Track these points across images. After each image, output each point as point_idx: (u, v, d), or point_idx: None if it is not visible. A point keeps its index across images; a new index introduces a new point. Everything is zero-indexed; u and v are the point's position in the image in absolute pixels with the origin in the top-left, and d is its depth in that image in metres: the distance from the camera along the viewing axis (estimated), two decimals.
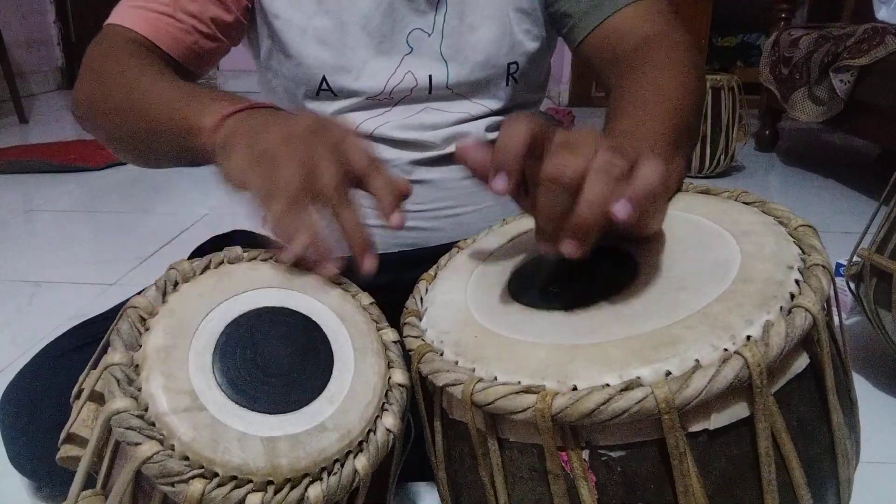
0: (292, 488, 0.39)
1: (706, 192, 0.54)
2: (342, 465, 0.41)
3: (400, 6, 0.77)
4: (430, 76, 0.79)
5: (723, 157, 2.28)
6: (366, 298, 0.52)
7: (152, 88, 0.63)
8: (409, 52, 0.79)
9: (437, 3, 0.77)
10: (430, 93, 0.79)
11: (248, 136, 0.51)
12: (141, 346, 0.42)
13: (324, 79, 0.78)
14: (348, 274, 0.53)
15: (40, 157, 2.30)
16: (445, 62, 0.79)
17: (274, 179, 0.47)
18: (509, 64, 0.80)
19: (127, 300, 0.45)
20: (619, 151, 0.41)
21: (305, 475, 0.40)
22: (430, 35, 0.78)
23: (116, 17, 0.74)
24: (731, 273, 0.42)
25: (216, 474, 0.38)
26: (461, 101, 0.81)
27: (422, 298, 0.52)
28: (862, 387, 1.04)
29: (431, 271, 0.55)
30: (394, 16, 0.77)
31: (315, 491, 0.40)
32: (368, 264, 0.48)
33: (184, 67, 0.75)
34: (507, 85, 0.82)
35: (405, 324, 0.49)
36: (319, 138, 0.49)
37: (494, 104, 0.82)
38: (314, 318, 0.47)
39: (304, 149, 0.48)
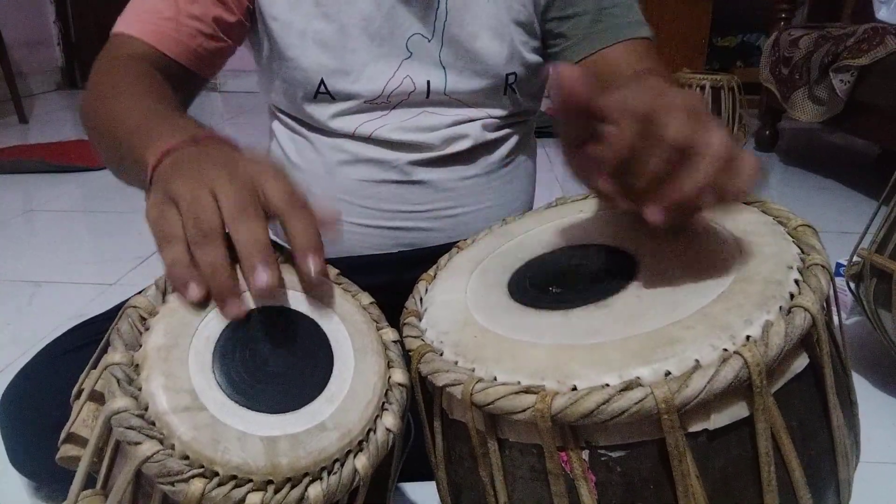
0: (292, 488, 0.39)
1: None
2: (342, 465, 0.41)
3: (400, 10, 0.77)
4: (428, 82, 0.79)
5: None
6: (365, 298, 0.52)
7: (124, 114, 0.62)
8: (409, 57, 0.79)
9: (437, 10, 0.77)
10: (428, 97, 0.80)
11: (166, 174, 0.48)
12: (141, 345, 0.42)
13: (322, 82, 0.78)
14: (348, 274, 0.53)
15: (40, 157, 2.30)
16: (444, 69, 0.79)
17: (166, 225, 0.44)
18: (508, 74, 0.80)
19: (127, 300, 0.45)
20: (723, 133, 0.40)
21: (305, 474, 0.40)
22: (429, 41, 0.78)
23: (122, 25, 0.74)
24: (730, 273, 0.42)
25: (216, 474, 0.38)
26: (459, 108, 0.81)
27: (421, 298, 0.52)
28: (862, 387, 1.04)
29: (431, 271, 0.55)
30: (394, 20, 0.77)
31: (315, 490, 0.40)
32: (261, 279, 0.42)
33: (191, 72, 0.76)
34: (505, 94, 0.82)
35: (405, 324, 0.49)
36: (230, 173, 0.45)
37: (493, 111, 0.83)
38: (314, 318, 0.47)
39: (207, 184, 0.44)
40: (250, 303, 0.46)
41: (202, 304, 0.45)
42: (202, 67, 0.77)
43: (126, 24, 0.74)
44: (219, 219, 0.43)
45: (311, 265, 0.43)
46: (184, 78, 0.75)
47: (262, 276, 0.42)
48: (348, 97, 0.79)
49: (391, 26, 0.77)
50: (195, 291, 0.43)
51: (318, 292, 0.49)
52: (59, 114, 3.39)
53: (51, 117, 3.29)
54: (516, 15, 0.79)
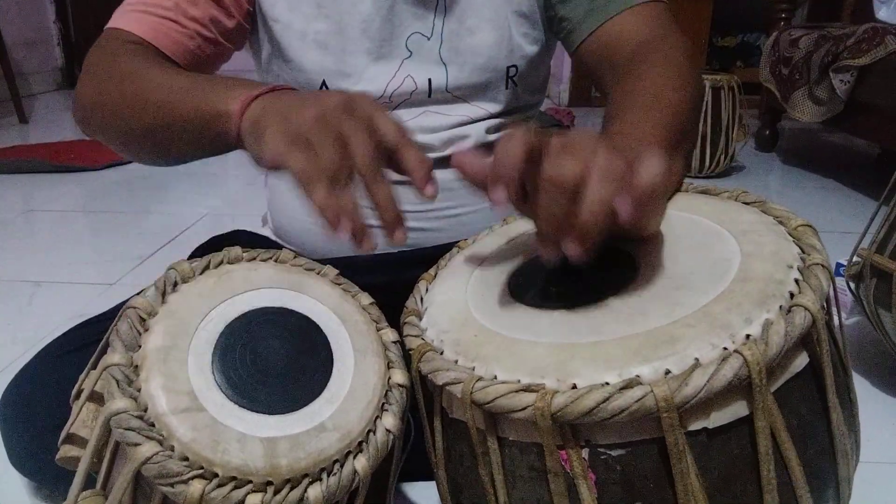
0: (292, 489, 0.39)
1: (706, 192, 0.54)
2: (342, 466, 0.41)
3: (400, 10, 0.77)
4: (429, 80, 0.79)
5: (723, 157, 2.28)
6: (365, 299, 0.52)
7: (165, 80, 0.63)
8: (409, 56, 0.79)
9: (437, 7, 0.77)
10: (430, 96, 0.80)
11: (279, 117, 0.50)
12: (140, 346, 0.42)
13: (324, 83, 0.78)
14: (348, 274, 0.53)
15: (40, 157, 2.30)
16: (445, 66, 0.79)
17: (313, 161, 0.46)
18: (508, 67, 0.80)
19: (127, 300, 0.45)
20: (619, 151, 0.41)
21: (305, 475, 0.40)
22: (429, 39, 0.78)
23: (117, 20, 0.73)
24: (730, 272, 0.42)
25: (216, 475, 0.38)
26: (461, 105, 0.81)
27: (422, 298, 0.52)
28: (862, 387, 1.04)
29: (432, 271, 0.55)
30: (393, 20, 0.77)
31: (315, 491, 0.40)
32: (399, 236, 0.47)
33: None
34: (507, 88, 0.82)
35: (405, 323, 0.49)
36: (351, 115, 0.48)
37: (494, 107, 0.82)
38: (314, 319, 0.47)
39: (337, 127, 0.47)
40: (250, 304, 0.46)
41: (203, 305, 0.45)
42: (198, 69, 0.76)
43: (123, 20, 0.73)
44: (374, 155, 0.47)
45: (429, 190, 0.49)
46: None
47: (399, 235, 0.47)
48: None
49: (391, 27, 0.77)
50: (346, 226, 0.45)
51: (317, 293, 0.49)
52: (59, 114, 3.39)
53: (51, 117, 3.29)
54: (517, 6, 0.79)
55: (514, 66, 0.81)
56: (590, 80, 0.80)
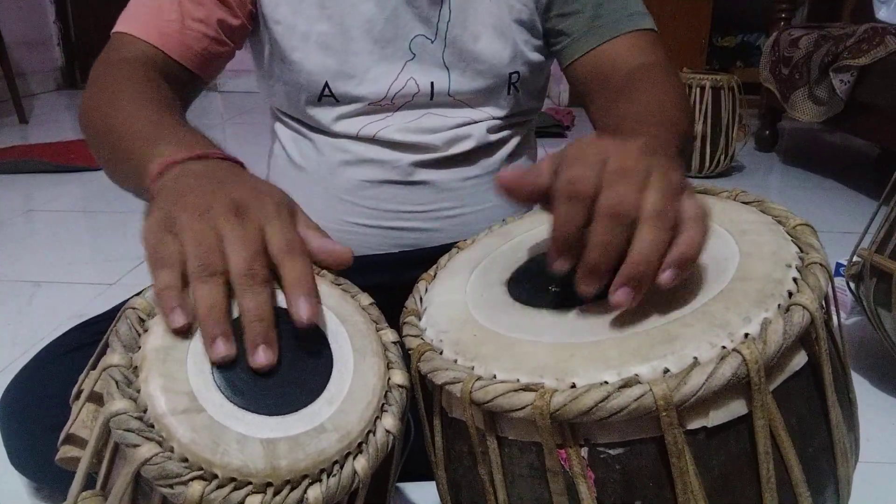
0: (291, 490, 0.39)
1: (705, 192, 0.54)
2: (341, 467, 0.41)
3: (403, 12, 0.77)
4: (431, 83, 0.79)
5: (723, 157, 2.28)
6: (365, 299, 0.52)
7: (127, 118, 0.61)
8: (412, 59, 0.79)
9: (441, 11, 0.77)
10: (432, 99, 0.80)
11: (170, 194, 0.47)
12: (140, 347, 0.42)
13: (326, 85, 0.78)
14: (348, 274, 0.53)
15: (40, 157, 2.30)
16: (447, 69, 0.79)
17: (165, 251, 0.43)
18: (511, 73, 0.81)
19: (127, 300, 0.45)
20: (644, 156, 0.41)
21: (305, 477, 0.40)
22: (432, 42, 0.78)
23: (124, 24, 0.73)
24: (729, 271, 0.42)
25: (215, 476, 0.38)
26: (463, 109, 0.81)
27: (421, 298, 0.52)
28: (862, 387, 1.04)
29: (431, 271, 0.55)
30: (397, 22, 0.77)
31: (314, 492, 0.40)
32: (260, 358, 0.41)
33: (194, 74, 0.75)
34: (509, 94, 0.82)
35: (405, 323, 0.49)
36: (240, 217, 0.44)
37: (496, 111, 0.83)
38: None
39: (213, 223, 0.44)
40: None
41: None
42: (205, 70, 0.77)
43: (129, 24, 0.73)
44: (223, 264, 0.42)
45: (302, 310, 0.43)
46: (186, 80, 0.75)
47: (261, 355, 0.41)
48: (352, 100, 0.79)
49: (394, 28, 0.77)
50: (180, 319, 0.41)
51: (317, 293, 0.49)
52: (59, 114, 3.39)
53: (51, 117, 3.29)
54: (518, 14, 0.79)
55: (516, 72, 0.81)
56: (578, 95, 0.81)
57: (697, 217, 0.40)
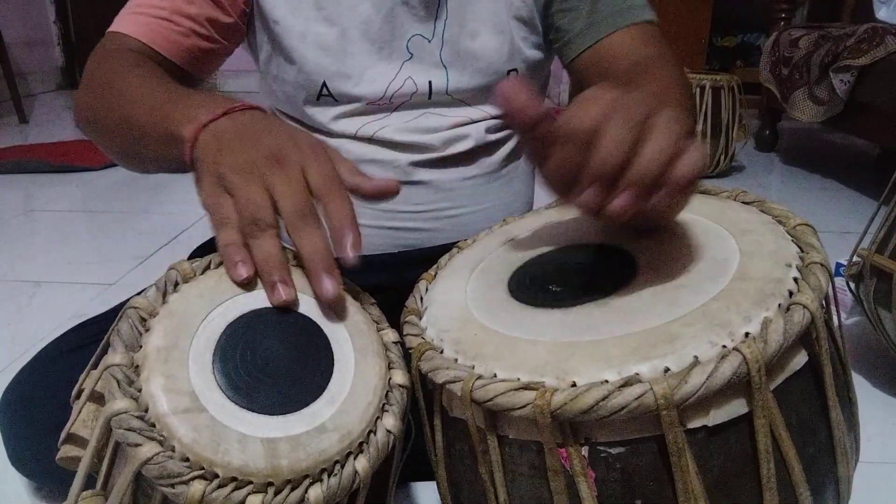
0: (292, 489, 0.39)
1: (705, 192, 0.54)
2: (342, 466, 0.41)
3: (400, 12, 0.77)
4: (430, 82, 0.79)
5: (723, 157, 2.28)
6: (366, 299, 0.52)
7: (139, 95, 0.63)
8: (410, 58, 0.79)
9: (438, 10, 0.77)
10: (430, 98, 0.80)
11: (214, 156, 0.50)
12: (141, 346, 0.42)
13: (324, 84, 0.78)
14: (349, 274, 0.53)
15: (40, 157, 2.30)
16: (445, 68, 0.79)
17: (223, 211, 0.47)
18: (509, 71, 0.81)
19: (127, 300, 0.45)
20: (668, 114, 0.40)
21: (306, 476, 0.40)
22: (430, 41, 0.78)
23: (116, 24, 0.74)
24: (729, 271, 0.42)
25: (216, 475, 0.38)
26: (461, 107, 0.81)
27: (422, 297, 0.52)
28: (862, 386, 1.04)
29: (432, 271, 0.56)
30: (394, 22, 0.77)
31: (315, 492, 0.40)
32: (328, 287, 0.46)
33: (186, 72, 0.75)
34: None
35: (405, 322, 0.49)
36: (280, 163, 0.48)
37: (494, 110, 0.83)
38: (314, 319, 0.47)
39: (262, 177, 0.47)
40: (251, 304, 0.46)
41: (203, 305, 0.45)
42: (196, 67, 0.77)
43: (120, 23, 0.74)
44: (274, 217, 0.46)
45: (347, 243, 0.46)
46: (178, 77, 0.75)
47: (328, 285, 0.45)
48: (351, 100, 0.79)
49: (391, 28, 0.77)
50: (243, 271, 0.45)
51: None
52: (59, 114, 3.39)
53: (51, 117, 3.29)
54: (517, 11, 0.79)
55: (514, 69, 0.81)
56: (582, 90, 0.79)
57: (697, 149, 0.39)
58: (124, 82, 0.66)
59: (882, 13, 2.26)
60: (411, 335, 0.47)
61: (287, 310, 0.47)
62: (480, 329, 0.45)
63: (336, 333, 0.47)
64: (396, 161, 0.80)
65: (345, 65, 0.78)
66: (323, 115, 0.80)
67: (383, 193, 0.51)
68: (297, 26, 0.77)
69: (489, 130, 0.82)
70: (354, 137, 0.80)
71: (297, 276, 0.49)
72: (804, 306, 0.38)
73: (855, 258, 0.97)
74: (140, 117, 0.61)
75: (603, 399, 0.36)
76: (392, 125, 0.80)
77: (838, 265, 1.17)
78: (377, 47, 0.78)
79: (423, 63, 0.79)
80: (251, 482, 0.38)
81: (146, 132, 0.60)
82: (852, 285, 1.01)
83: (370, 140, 0.80)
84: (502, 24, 0.79)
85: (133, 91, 0.64)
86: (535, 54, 0.82)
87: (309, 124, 0.83)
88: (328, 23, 0.77)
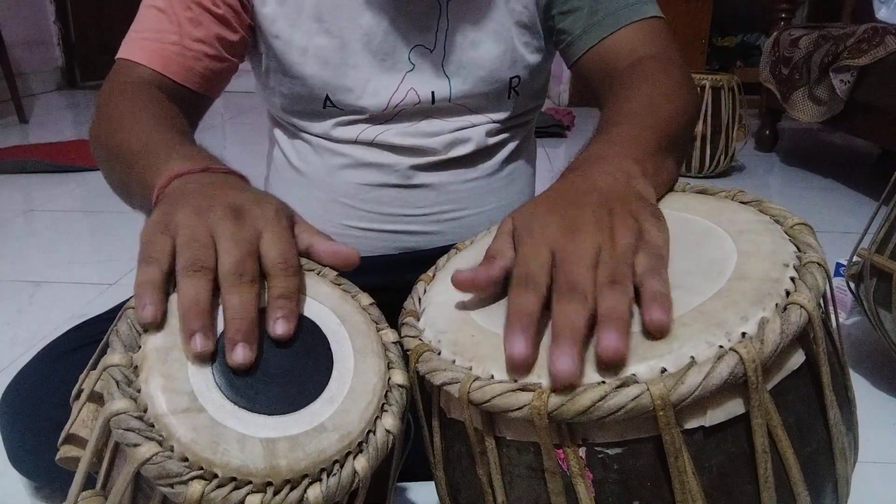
0: (292, 489, 0.39)
1: (703, 192, 0.54)
2: (341, 466, 0.41)
3: (401, 23, 0.76)
4: (432, 92, 0.79)
5: (723, 157, 2.28)
6: (365, 299, 0.52)
7: (132, 140, 0.62)
8: (412, 69, 0.78)
9: (439, 20, 0.77)
10: (433, 104, 0.79)
11: (171, 200, 0.48)
12: (140, 346, 0.42)
13: (327, 98, 0.78)
14: (348, 274, 0.53)
15: (40, 157, 2.30)
16: (448, 78, 0.79)
17: (154, 249, 0.43)
18: (511, 78, 0.80)
19: (127, 300, 0.45)
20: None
21: (305, 476, 0.40)
22: (432, 51, 0.78)
23: (126, 50, 0.74)
24: (726, 271, 0.42)
25: (215, 475, 0.38)
26: (463, 114, 0.81)
27: (420, 299, 0.52)
28: (862, 387, 1.04)
29: (430, 272, 0.56)
30: (395, 33, 0.77)
31: (314, 492, 0.40)
32: (238, 354, 0.41)
33: (198, 94, 0.76)
34: (510, 98, 0.82)
35: (403, 324, 0.49)
36: (235, 219, 0.45)
37: (496, 115, 0.82)
38: (313, 319, 0.47)
39: (208, 224, 0.44)
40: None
41: None
42: (210, 88, 0.77)
43: (130, 50, 0.74)
44: (213, 262, 0.43)
45: (279, 328, 0.43)
46: (192, 100, 0.75)
47: (239, 355, 0.41)
48: (353, 111, 0.79)
49: (393, 40, 0.77)
50: (150, 314, 0.42)
51: (317, 293, 0.49)
52: (59, 114, 3.39)
53: (51, 117, 3.29)
54: (518, 17, 0.79)
55: (517, 76, 0.80)
56: (587, 93, 0.79)
57: (654, 268, 0.40)
58: (124, 125, 0.65)
59: (882, 13, 2.26)
60: (409, 336, 0.47)
61: None
62: (478, 330, 0.45)
63: (335, 333, 0.47)
64: (397, 165, 0.80)
65: (346, 78, 0.77)
66: (323, 122, 0.80)
67: (341, 262, 0.50)
68: (298, 41, 0.76)
69: (490, 134, 0.82)
70: (355, 142, 0.80)
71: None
72: (801, 306, 0.38)
73: (855, 258, 0.97)
74: (129, 163, 0.60)
75: (600, 400, 0.36)
76: (393, 130, 0.80)
77: (838, 265, 1.17)
78: (379, 59, 0.77)
79: (425, 73, 0.78)
80: (250, 482, 0.38)
81: (133, 181, 0.59)
82: (852, 285, 1.01)
83: (371, 144, 0.80)
84: (504, 31, 0.78)
85: (129, 137, 0.63)
86: (536, 58, 0.82)
87: (309, 131, 0.82)
88: (329, 35, 0.76)
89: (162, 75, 0.73)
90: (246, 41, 0.78)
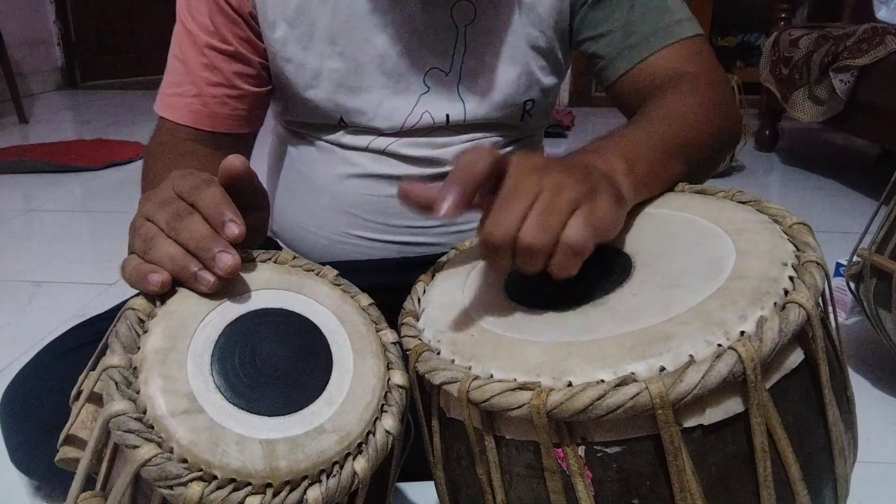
0: (291, 490, 0.39)
1: (702, 191, 0.54)
2: (341, 467, 0.41)
3: (417, 45, 0.75)
4: (447, 115, 0.77)
5: None
6: (365, 300, 0.52)
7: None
8: (426, 92, 0.77)
9: (455, 43, 0.75)
10: (447, 126, 0.78)
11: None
12: (139, 348, 0.42)
13: (341, 120, 0.77)
14: (348, 275, 0.53)
15: (40, 157, 2.30)
16: (463, 101, 0.78)
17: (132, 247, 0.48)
18: (525, 101, 0.79)
19: (126, 300, 0.45)
20: (565, 181, 0.43)
21: (304, 477, 0.40)
22: (447, 74, 0.76)
23: (160, 106, 0.76)
24: (725, 270, 0.42)
25: (215, 477, 0.38)
26: (476, 132, 0.80)
27: (419, 299, 0.52)
28: (862, 387, 1.04)
29: (429, 272, 0.56)
30: (410, 55, 0.75)
31: (314, 493, 0.40)
32: (226, 260, 0.45)
33: (235, 134, 0.77)
34: (522, 120, 0.81)
35: (403, 324, 0.49)
36: (165, 209, 0.48)
37: (508, 135, 0.82)
38: (313, 320, 0.47)
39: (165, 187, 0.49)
40: (249, 305, 0.46)
41: (201, 306, 0.45)
42: (244, 125, 0.77)
43: (162, 107, 0.76)
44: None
45: (228, 230, 0.46)
46: (233, 141, 0.76)
47: (226, 258, 0.45)
48: (366, 131, 0.78)
49: (408, 62, 0.76)
50: (157, 280, 0.45)
51: (316, 294, 0.49)
52: (59, 114, 3.39)
53: (51, 117, 3.29)
54: (535, 41, 0.77)
55: (531, 99, 0.79)
56: (625, 112, 0.78)
57: (579, 219, 0.43)
58: (154, 175, 0.69)
59: (882, 13, 2.26)
60: (408, 336, 0.47)
61: (286, 311, 0.47)
62: (477, 330, 0.45)
63: (334, 334, 0.47)
64: (407, 175, 0.79)
65: (359, 100, 0.76)
66: (334, 133, 0.80)
67: (225, 171, 0.50)
68: (311, 64, 0.75)
69: (498, 146, 0.81)
70: (366, 150, 0.79)
71: (292, 275, 0.49)
72: (800, 305, 0.38)
73: (855, 258, 0.97)
74: None
75: (599, 398, 0.36)
76: (404, 140, 0.79)
77: (838, 265, 1.17)
78: (393, 80, 0.76)
79: (439, 96, 0.77)
80: (249, 483, 0.38)
81: None
82: (852, 285, 1.01)
83: (381, 153, 0.79)
84: (519, 56, 0.77)
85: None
86: (551, 81, 0.80)
87: (318, 136, 0.81)
88: (342, 58, 0.75)
89: (194, 129, 0.74)
90: (266, 66, 0.78)
